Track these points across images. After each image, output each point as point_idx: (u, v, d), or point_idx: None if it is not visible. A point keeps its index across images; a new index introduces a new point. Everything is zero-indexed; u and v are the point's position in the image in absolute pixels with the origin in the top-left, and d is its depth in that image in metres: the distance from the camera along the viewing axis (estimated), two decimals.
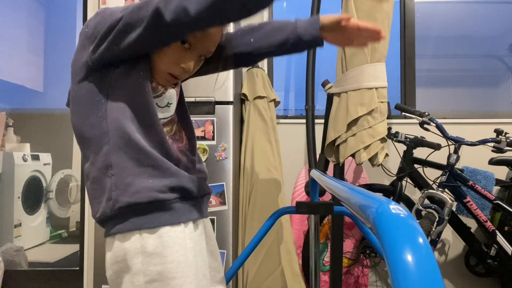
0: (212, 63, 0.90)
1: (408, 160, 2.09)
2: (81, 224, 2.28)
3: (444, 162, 1.99)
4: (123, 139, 0.74)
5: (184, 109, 0.92)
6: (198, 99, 1.89)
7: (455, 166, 1.97)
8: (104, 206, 0.76)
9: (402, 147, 2.13)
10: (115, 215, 0.75)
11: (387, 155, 1.72)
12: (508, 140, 1.92)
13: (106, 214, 0.76)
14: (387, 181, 2.36)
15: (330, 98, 1.87)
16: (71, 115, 0.80)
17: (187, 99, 0.96)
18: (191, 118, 0.94)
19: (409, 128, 2.29)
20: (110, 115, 0.75)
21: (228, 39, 0.89)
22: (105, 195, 0.76)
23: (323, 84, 2.00)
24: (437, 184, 1.98)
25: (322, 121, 2.03)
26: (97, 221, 0.79)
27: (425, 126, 2.01)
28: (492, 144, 1.93)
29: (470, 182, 2.00)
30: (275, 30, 0.85)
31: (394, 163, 2.31)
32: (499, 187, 2.25)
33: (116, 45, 0.71)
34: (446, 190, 1.95)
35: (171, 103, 0.86)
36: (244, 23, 0.91)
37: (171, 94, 0.85)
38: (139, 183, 0.74)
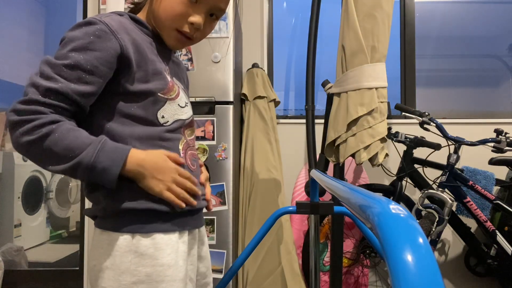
0: None
1: (408, 160, 2.09)
2: (81, 224, 2.28)
3: (444, 162, 1.99)
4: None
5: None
6: (198, 99, 1.89)
7: (455, 166, 1.97)
8: (96, 207, 0.74)
9: (402, 147, 2.13)
10: (107, 216, 0.73)
11: (387, 155, 1.72)
12: (508, 140, 1.92)
13: (99, 216, 0.75)
14: (387, 181, 2.37)
15: (330, 98, 1.87)
16: None
17: None
18: None
19: (409, 128, 2.29)
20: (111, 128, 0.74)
21: None
22: (99, 198, 0.74)
23: (323, 84, 2.00)
24: (437, 184, 1.98)
25: (322, 121, 2.03)
26: (87, 215, 0.78)
27: (425, 126, 2.01)
28: (492, 144, 1.93)
29: (470, 182, 2.00)
30: None
31: (394, 163, 2.31)
32: (499, 187, 2.25)
33: None
34: (446, 190, 1.95)
35: (187, 103, 0.84)
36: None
37: (184, 95, 0.84)
38: (135, 193, 0.72)
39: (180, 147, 0.79)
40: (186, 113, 0.82)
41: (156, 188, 0.71)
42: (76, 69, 0.67)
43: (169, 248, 0.73)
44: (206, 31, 0.82)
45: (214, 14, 0.81)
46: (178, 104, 0.79)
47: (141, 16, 0.82)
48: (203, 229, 0.89)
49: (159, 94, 0.76)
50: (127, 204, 0.71)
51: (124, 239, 0.71)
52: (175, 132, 0.79)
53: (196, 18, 0.77)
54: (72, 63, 0.67)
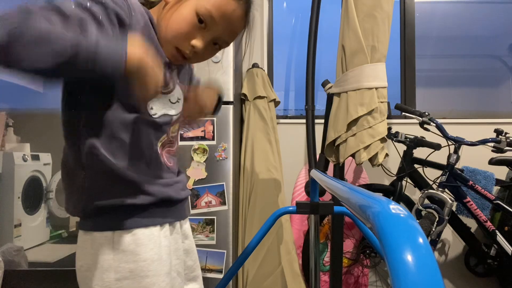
0: None
1: (408, 160, 2.09)
2: None
3: (444, 162, 1.99)
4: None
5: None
6: None
7: (455, 166, 1.97)
8: (75, 205, 0.74)
9: (402, 147, 2.12)
10: (87, 215, 0.73)
11: (387, 155, 1.72)
12: (508, 140, 1.92)
13: (78, 214, 0.75)
14: (387, 181, 2.36)
15: (330, 98, 1.87)
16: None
17: None
18: None
19: (409, 128, 2.29)
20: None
21: None
22: (78, 193, 0.73)
23: (323, 84, 2.00)
24: (437, 184, 1.98)
25: (322, 121, 2.03)
26: (70, 214, 0.77)
27: (425, 126, 2.01)
28: (492, 144, 1.93)
29: (470, 182, 2.00)
30: None
31: (394, 163, 2.31)
32: (499, 187, 2.25)
33: None
34: (446, 190, 1.95)
35: (180, 99, 0.84)
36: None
37: (180, 90, 0.84)
38: (113, 187, 0.72)
39: (159, 143, 0.79)
40: (175, 109, 0.82)
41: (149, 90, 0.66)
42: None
43: (151, 243, 0.74)
44: (205, 57, 0.81)
45: (218, 44, 0.80)
46: (169, 99, 0.79)
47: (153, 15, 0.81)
48: (186, 222, 0.89)
49: None
50: (104, 202, 0.71)
51: (105, 237, 0.71)
52: (161, 126, 0.78)
53: (198, 43, 0.76)
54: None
